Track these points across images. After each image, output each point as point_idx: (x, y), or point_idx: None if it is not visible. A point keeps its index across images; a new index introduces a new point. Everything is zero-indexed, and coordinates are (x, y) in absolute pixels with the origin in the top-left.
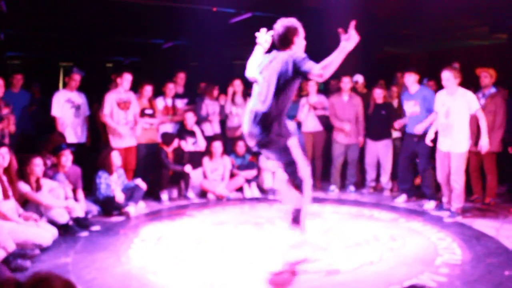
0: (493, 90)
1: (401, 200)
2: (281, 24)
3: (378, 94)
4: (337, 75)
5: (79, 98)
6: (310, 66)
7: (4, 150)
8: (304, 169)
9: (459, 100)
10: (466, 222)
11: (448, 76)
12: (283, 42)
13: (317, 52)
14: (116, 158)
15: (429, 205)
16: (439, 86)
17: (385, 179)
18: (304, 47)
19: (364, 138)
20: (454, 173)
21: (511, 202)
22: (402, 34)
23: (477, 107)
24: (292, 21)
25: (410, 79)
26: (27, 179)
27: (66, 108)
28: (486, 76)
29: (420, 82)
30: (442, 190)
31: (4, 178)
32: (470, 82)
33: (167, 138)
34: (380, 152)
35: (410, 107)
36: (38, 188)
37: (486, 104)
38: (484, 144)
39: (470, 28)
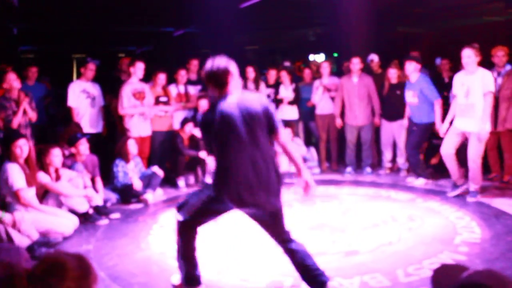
0: (508, 67)
1: (420, 182)
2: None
3: (393, 74)
4: (349, 56)
5: (94, 89)
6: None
7: (23, 142)
8: None
9: (479, 79)
10: (484, 201)
11: (469, 53)
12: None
13: (330, 33)
14: (132, 147)
15: (419, 181)
16: (453, 65)
17: (401, 159)
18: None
19: (380, 118)
20: (472, 154)
21: None
22: (415, 13)
23: (490, 89)
24: (222, 62)
25: (410, 68)
26: (47, 169)
27: (81, 98)
28: (503, 55)
29: (433, 61)
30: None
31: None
32: (485, 60)
33: (183, 121)
34: (396, 132)
35: (409, 97)
36: (57, 178)
37: (504, 82)
38: (483, 130)
39: (484, 4)
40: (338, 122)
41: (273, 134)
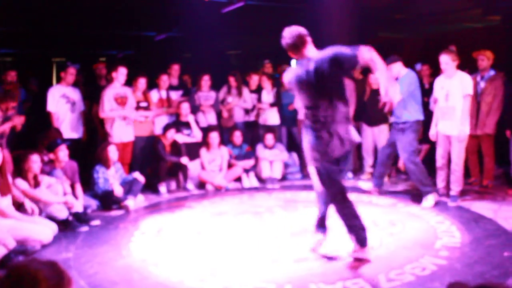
0: (492, 72)
1: (430, 203)
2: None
3: (374, 80)
4: None
5: (74, 93)
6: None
7: None
8: None
9: (457, 83)
10: (464, 205)
11: (446, 60)
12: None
13: (312, 38)
14: (113, 153)
15: (429, 202)
16: (433, 70)
17: None
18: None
19: (360, 123)
20: (455, 157)
21: (508, 184)
22: (396, 19)
23: (468, 92)
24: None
25: (396, 69)
26: (25, 176)
27: (61, 103)
28: (483, 59)
29: (413, 66)
30: (437, 175)
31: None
32: (464, 65)
33: (165, 127)
34: (377, 137)
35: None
36: (36, 184)
37: (486, 87)
38: (462, 132)
39: (463, 11)
40: None
41: None
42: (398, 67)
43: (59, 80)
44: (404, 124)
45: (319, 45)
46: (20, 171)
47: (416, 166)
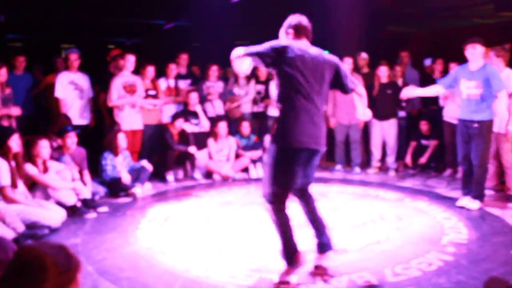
0: None
1: (475, 206)
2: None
3: (383, 73)
4: (340, 56)
5: (83, 80)
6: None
7: (16, 137)
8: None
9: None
10: None
11: (490, 55)
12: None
13: (320, 30)
14: (122, 140)
15: (474, 204)
16: (444, 66)
17: (390, 159)
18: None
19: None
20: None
21: None
22: (405, 13)
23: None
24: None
25: (476, 52)
26: (34, 161)
27: (69, 89)
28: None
29: (421, 62)
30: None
31: (13, 164)
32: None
33: (174, 116)
34: (386, 132)
35: (470, 89)
36: (45, 170)
37: None
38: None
39: (474, 6)
40: (332, 121)
41: None
42: (478, 52)
43: (67, 67)
44: (479, 123)
45: (328, 38)
46: (29, 156)
47: (485, 176)
